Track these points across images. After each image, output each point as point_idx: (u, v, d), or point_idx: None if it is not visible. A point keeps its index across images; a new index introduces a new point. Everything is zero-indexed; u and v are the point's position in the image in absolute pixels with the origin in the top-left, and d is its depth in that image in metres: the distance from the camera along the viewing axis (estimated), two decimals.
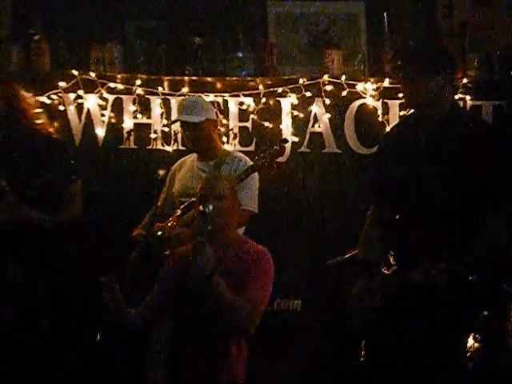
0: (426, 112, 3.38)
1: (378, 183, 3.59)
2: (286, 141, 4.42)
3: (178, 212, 4.24)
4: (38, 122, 4.13)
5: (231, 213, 3.45)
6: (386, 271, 3.28)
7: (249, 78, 5.04)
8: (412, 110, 3.58)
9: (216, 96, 4.98)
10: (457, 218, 3.21)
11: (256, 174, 4.31)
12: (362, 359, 3.44)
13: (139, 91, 4.99)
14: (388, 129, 4.79)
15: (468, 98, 4.78)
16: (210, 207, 3.23)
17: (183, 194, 4.34)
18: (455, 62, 3.52)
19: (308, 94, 4.96)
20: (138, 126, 5.04)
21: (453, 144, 3.27)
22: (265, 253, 3.46)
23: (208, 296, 3.20)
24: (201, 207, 3.24)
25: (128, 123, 5.02)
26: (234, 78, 5.05)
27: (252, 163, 4.28)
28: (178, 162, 4.61)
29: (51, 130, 4.27)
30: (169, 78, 5.03)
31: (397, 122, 4.35)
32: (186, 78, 5.02)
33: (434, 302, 3.11)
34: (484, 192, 3.20)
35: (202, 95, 4.83)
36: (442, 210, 3.23)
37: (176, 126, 4.84)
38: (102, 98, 4.99)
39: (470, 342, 3.40)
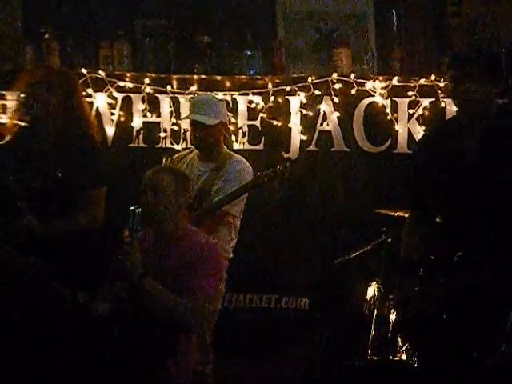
0: (475, 119, 3.31)
1: (419, 191, 3.53)
2: (289, 160, 4.42)
3: None
4: (88, 120, 4.08)
5: (174, 206, 3.34)
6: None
7: (258, 77, 5.05)
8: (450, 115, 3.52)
9: (225, 94, 4.98)
10: (507, 224, 3.20)
11: (249, 179, 4.26)
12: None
13: (148, 90, 5.00)
14: (398, 129, 4.81)
15: None
16: (138, 209, 3.21)
17: None
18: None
19: (317, 92, 4.97)
20: (147, 125, 5.05)
21: (504, 146, 3.26)
22: (211, 245, 3.40)
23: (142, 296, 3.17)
24: (131, 207, 3.21)
25: (137, 122, 5.03)
26: (243, 77, 5.06)
27: (245, 164, 4.30)
28: (178, 155, 4.56)
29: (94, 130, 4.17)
30: (178, 76, 5.04)
31: (437, 125, 4.28)
32: (195, 76, 5.02)
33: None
34: None
35: (214, 95, 4.84)
36: (492, 216, 3.21)
37: (185, 124, 4.85)
38: (111, 96, 5.00)
39: None
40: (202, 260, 3.26)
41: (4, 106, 4.94)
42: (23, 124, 3.99)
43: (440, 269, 3.21)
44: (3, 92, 4.93)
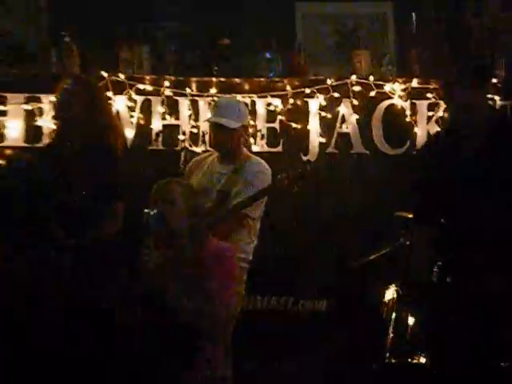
0: (472, 125, 3.38)
1: (421, 202, 3.57)
2: (309, 162, 4.41)
3: None
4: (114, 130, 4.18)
5: (183, 217, 3.38)
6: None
7: (277, 79, 5.06)
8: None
9: (244, 97, 4.99)
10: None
11: (267, 181, 4.24)
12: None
13: (167, 92, 5.01)
14: (417, 131, 4.82)
15: (497, 98, 4.76)
16: (154, 211, 3.24)
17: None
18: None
19: (336, 94, 4.98)
20: (166, 128, 5.06)
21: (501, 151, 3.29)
22: (226, 250, 3.42)
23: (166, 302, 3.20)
24: (146, 210, 3.25)
25: (156, 124, 5.04)
26: (262, 79, 5.07)
27: (264, 167, 4.30)
28: (198, 158, 4.56)
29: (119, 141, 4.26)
30: (197, 79, 5.05)
31: (435, 136, 4.33)
32: (214, 79, 5.03)
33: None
34: None
35: (236, 98, 4.86)
36: (491, 225, 3.22)
37: (204, 127, 4.87)
38: (130, 99, 5.01)
39: None
40: (218, 266, 3.30)
41: (40, 108, 4.98)
42: (55, 129, 4.12)
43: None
44: (40, 95, 4.96)
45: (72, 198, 3.92)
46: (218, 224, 4.07)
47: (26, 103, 4.95)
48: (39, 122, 4.95)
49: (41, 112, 4.95)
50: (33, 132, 4.95)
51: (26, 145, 4.95)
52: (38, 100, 4.95)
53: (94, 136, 4.03)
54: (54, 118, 4.17)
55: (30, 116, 4.96)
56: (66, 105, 4.02)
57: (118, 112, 4.99)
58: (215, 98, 4.88)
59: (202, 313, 3.20)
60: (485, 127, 3.34)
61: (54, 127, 4.22)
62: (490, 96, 4.62)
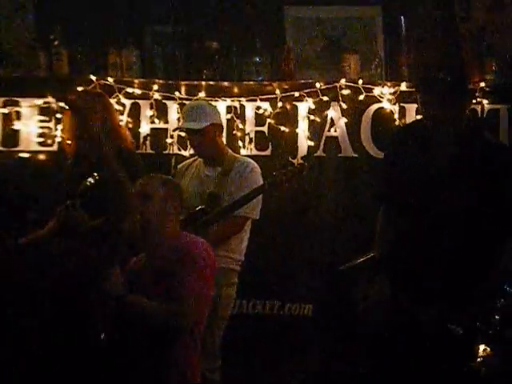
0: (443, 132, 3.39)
1: (388, 182, 3.59)
2: (309, 158, 4.41)
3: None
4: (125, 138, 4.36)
5: (161, 214, 3.36)
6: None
7: (266, 83, 5.05)
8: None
9: (233, 100, 4.99)
10: (468, 232, 3.24)
11: (259, 180, 4.30)
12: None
13: (156, 96, 5.01)
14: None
15: (485, 101, 4.77)
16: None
17: (189, 200, 4.22)
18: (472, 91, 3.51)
19: (325, 98, 4.97)
20: (154, 131, 5.06)
21: (465, 162, 3.30)
22: (197, 243, 3.37)
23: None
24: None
25: (145, 128, 5.04)
26: (251, 83, 5.06)
27: (253, 165, 4.35)
28: (184, 163, 4.59)
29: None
30: (186, 82, 5.04)
31: (410, 123, 4.37)
32: (203, 82, 5.02)
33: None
34: (496, 211, 3.23)
35: (219, 99, 4.89)
36: (454, 225, 3.25)
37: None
38: (119, 103, 4.99)
39: (482, 346, 3.38)
40: (187, 257, 3.25)
41: (18, 112, 5.00)
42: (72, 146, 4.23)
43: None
44: (18, 99, 4.99)
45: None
46: (213, 226, 4.09)
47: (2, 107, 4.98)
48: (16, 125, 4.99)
49: (18, 116, 4.97)
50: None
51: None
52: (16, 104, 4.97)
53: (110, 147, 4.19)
54: (72, 137, 4.28)
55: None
56: (83, 123, 4.16)
57: None
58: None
59: (167, 311, 3.17)
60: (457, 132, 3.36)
61: (70, 144, 4.34)
62: (476, 101, 4.69)
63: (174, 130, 4.82)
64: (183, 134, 4.72)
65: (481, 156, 3.31)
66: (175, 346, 3.24)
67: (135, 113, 5.04)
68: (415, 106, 4.87)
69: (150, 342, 3.21)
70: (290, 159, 4.92)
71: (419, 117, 4.73)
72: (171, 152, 5.01)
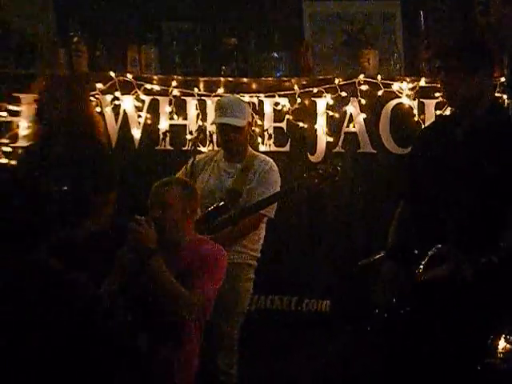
0: (465, 109, 3.37)
1: (411, 179, 3.57)
2: (336, 160, 4.41)
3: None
4: (95, 127, 4.25)
5: (182, 219, 3.38)
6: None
7: (284, 79, 5.05)
8: (449, 109, 3.57)
9: (251, 96, 4.99)
10: (490, 213, 3.19)
11: (278, 178, 4.32)
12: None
13: (175, 92, 5.02)
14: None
15: (505, 97, 4.72)
16: (143, 217, 3.23)
17: (207, 196, 4.29)
18: (493, 58, 3.49)
19: (343, 93, 4.96)
20: (173, 127, 5.07)
21: (491, 141, 3.25)
22: (217, 250, 3.43)
23: (149, 277, 3.20)
24: (137, 217, 3.23)
25: (164, 124, 5.05)
26: (270, 79, 5.06)
27: (272, 163, 4.35)
28: (202, 156, 4.56)
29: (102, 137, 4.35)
30: (204, 78, 5.05)
31: (434, 120, 4.36)
32: (222, 78, 5.03)
33: (461, 296, 3.10)
34: None
35: (238, 96, 4.87)
36: (475, 206, 3.21)
37: (211, 127, 4.86)
38: (138, 99, 5.02)
39: (502, 343, 3.35)
40: (207, 261, 3.31)
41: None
42: (38, 129, 4.17)
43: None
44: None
45: (62, 191, 3.98)
46: (237, 222, 4.11)
47: None
48: None
49: None
50: None
51: None
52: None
53: (78, 133, 4.10)
54: (37, 119, 4.23)
55: None
56: (49, 106, 4.10)
57: (124, 111, 5.03)
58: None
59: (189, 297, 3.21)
60: (478, 114, 3.32)
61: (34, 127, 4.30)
62: (498, 95, 4.65)
63: (211, 124, 4.73)
64: (213, 128, 4.70)
65: (505, 133, 3.27)
66: (184, 331, 3.29)
67: (154, 109, 5.05)
68: (434, 101, 4.87)
69: (164, 322, 3.25)
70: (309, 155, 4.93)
71: (439, 112, 4.81)
72: (190, 148, 5.00)
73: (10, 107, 4.98)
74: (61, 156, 4.07)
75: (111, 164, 4.18)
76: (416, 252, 3.28)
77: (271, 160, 4.42)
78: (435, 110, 4.86)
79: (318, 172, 4.18)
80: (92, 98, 4.95)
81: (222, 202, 4.17)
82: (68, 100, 4.09)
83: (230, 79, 5.04)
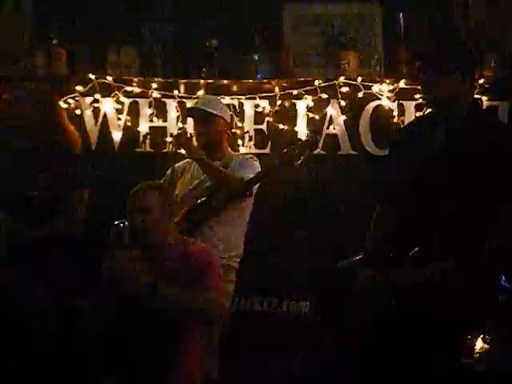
0: (442, 110, 3.37)
1: (388, 181, 3.57)
2: (316, 132, 4.41)
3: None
4: (68, 132, 4.25)
5: (162, 222, 3.36)
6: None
7: (265, 81, 5.05)
8: (429, 110, 3.57)
9: (232, 99, 4.99)
10: (469, 216, 3.19)
11: (259, 167, 4.30)
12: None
13: (155, 94, 5.01)
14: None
15: (484, 98, 4.76)
16: (125, 223, 3.20)
17: (189, 196, 4.31)
18: (473, 59, 3.50)
19: (324, 95, 4.96)
20: (153, 130, 5.05)
21: (468, 142, 3.25)
22: (212, 252, 3.49)
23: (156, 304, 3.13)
24: (115, 222, 3.20)
25: (144, 126, 5.04)
26: (250, 81, 5.06)
27: (252, 156, 4.39)
28: (181, 163, 4.55)
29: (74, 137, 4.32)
30: (185, 81, 5.04)
31: (411, 120, 4.38)
32: (202, 80, 5.02)
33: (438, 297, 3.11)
34: (497, 193, 3.18)
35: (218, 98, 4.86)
36: (454, 209, 3.21)
37: (191, 129, 4.84)
38: (118, 101, 5.01)
39: (480, 343, 3.36)
40: (209, 267, 3.32)
41: None
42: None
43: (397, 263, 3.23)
44: None
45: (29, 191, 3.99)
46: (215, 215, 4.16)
47: None
48: None
49: None
50: None
51: None
52: None
53: (45, 135, 4.12)
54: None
55: None
56: (16, 114, 4.15)
57: (105, 114, 5.01)
58: None
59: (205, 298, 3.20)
60: (457, 115, 3.33)
61: None
62: (477, 96, 4.66)
63: (188, 110, 4.71)
64: (189, 130, 4.71)
65: (484, 136, 3.27)
66: (189, 337, 3.29)
67: (134, 111, 5.04)
68: (414, 102, 4.89)
69: (168, 333, 3.21)
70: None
71: (418, 114, 4.82)
72: (170, 150, 4.99)
73: None
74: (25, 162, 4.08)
75: (76, 167, 4.14)
76: (392, 255, 3.27)
77: (250, 154, 4.48)
78: (415, 111, 4.87)
79: (295, 145, 4.18)
80: (71, 101, 4.96)
81: (204, 198, 4.20)
82: (31, 112, 4.12)
83: (210, 81, 5.03)
